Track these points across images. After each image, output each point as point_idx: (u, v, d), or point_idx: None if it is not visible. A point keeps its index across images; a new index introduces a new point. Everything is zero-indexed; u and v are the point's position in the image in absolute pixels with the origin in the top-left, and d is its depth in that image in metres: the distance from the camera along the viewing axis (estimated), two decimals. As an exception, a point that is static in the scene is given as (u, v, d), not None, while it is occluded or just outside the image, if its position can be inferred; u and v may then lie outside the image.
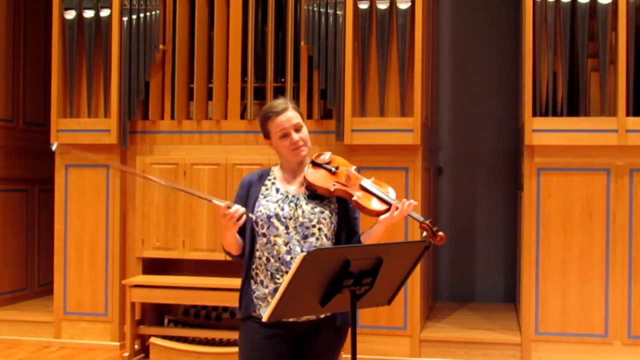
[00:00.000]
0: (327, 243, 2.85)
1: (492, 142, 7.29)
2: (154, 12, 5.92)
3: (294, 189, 2.92)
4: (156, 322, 5.84)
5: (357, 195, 2.83)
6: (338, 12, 5.58)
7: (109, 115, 5.98)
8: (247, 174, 3.06)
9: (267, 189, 2.93)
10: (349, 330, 2.89)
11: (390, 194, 2.88)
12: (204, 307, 5.79)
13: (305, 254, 2.40)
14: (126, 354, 5.58)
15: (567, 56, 5.32)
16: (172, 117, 6.01)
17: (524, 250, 5.45)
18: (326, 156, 2.97)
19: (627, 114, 5.26)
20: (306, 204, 2.87)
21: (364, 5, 5.54)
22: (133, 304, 5.56)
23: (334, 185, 2.85)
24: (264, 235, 2.85)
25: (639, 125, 5.24)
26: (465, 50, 7.40)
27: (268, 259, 2.84)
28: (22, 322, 6.23)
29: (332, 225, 2.88)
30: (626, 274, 5.29)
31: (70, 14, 6.02)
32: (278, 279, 2.82)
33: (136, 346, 5.67)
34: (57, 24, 6.04)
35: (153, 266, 5.90)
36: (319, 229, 2.84)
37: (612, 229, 5.30)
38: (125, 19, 5.92)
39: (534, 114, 5.36)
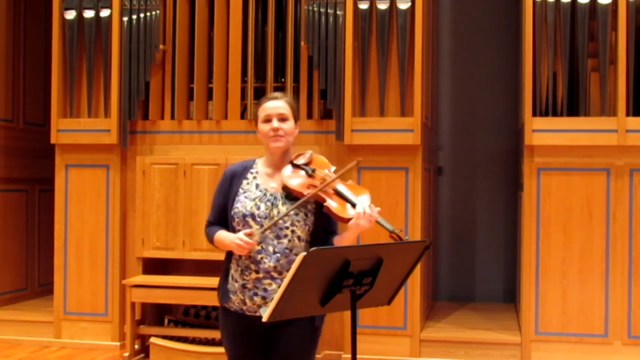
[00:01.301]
0: (299, 244, 2.88)
1: (492, 142, 7.29)
2: (154, 12, 5.92)
3: (274, 186, 2.94)
4: (156, 322, 5.84)
5: (329, 201, 2.83)
6: (338, 12, 5.58)
7: (109, 115, 5.98)
8: (230, 164, 3.10)
9: (247, 183, 2.96)
10: (321, 327, 2.97)
11: (364, 201, 2.84)
12: (204, 307, 5.78)
13: (305, 253, 2.41)
14: (126, 354, 5.58)
15: (567, 56, 5.32)
16: (172, 117, 6.01)
17: (524, 250, 5.45)
18: (305, 156, 2.98)
19: (627, 114, 5.26)
20: (282, 204, 2.89)
21: (364, 5, 5.54)
22: (133, 304, 5.56)
23: (308, 189, 2.85)
24: (239, 231, 2.89)
25: (639, 125, 5.24)
26: (465, 51, 7.40)
27: (240, 256, 2.90)
28: (22, 322, 6.23)
29: (307, 227, 2.89)
30: (626, 274, 5.29)
31: (70, 14, 6.02)
32: (246, 276, 2.88)
33: (136, 346, 5.67)
34: (57, 24, 6.04)
35: (153, 266, 5.90)
36: (292, 231, 2.87)
37: (612, 229, 5.30)
38: (125, 19, 5.92)
39: (534, 114, 5.36)
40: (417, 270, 5.18)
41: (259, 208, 2.89)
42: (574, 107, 5.47)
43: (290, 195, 2.89)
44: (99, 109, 6.06)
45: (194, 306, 5.80)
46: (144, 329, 5.68)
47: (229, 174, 3.02)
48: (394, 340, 5.54)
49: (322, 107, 5.82)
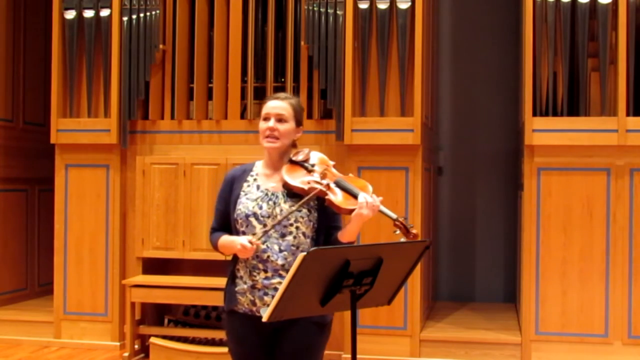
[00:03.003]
0: (304, 241, 2.87)
1: (492, 142, 7.29)
2: (154, 12, 5.92)
3: (274, 185, 2.94)
4: (156, 322, 5.84)
5: (330, 194, 2.84)
6: (338, 12, 5.58)
7: (109, 115, 5.98)
8: (231, 169, 3.09)
9: (248, 186, 2.96)
10: (330, 325, 2.94)
11: (366, 191, 2.87)
12: (204, 307, 5.78)
13: (305, 253, 2.41)
14: (126, 354, 5.58)
15: (567, 56, 5.32)
16: (172, 117, 6.01)
17: (524, 250, 5.45)
18: (303, 153, 2.98)
19: (627, 114, 5.26)
20: (284, 202, 2.89)
21: (364, 5, 5.54)
22: (133, 304, 5.56)
23: (308, 184, 2.86)
24: (243, 233, 2.89)
25: (639, 125, 5.24)
26: (465, 50, 7.40)
27: (247, 258, 2.87)
28: (22, 322, 6.23)
29: (311, 223, 2.89)
30: (626, 274, 5.29)
31: (70, 14, 6.02)
32: (255, 276, 2.86)
33: (136, 346, 5.68)
34: (57, 24, 6.04)
35: (153, 266, 5.90)
36: (297, 228, 2.87)
37: (612, 229, 5.30)
38: (125, 19, 5.92)
39: (534, 114, 5.36)
40: (417, 270, 5.18)
41: (261, 207, 2.88)
42: (574, 107, 5.47)
43: (291, 192, 2.89)
44: (98, 108, 6.06)
45: (194, 306, 5.80)
46: (144, 329, 5.68)
47: (229, 178, 3.02)
48: (394, 340, 5.54)
49: (322, 107, 5.82)
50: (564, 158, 5.36)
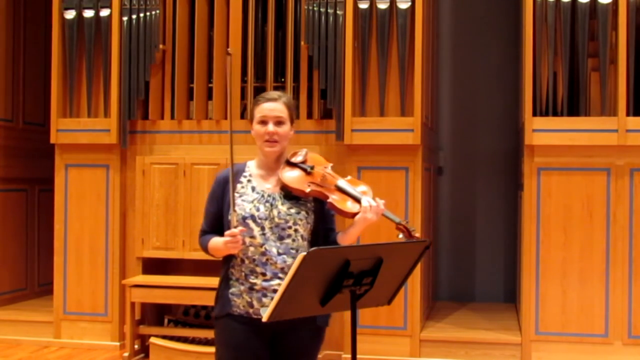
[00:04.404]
0: (303, 243, 2.84)
1: (492, 142, 7.29)
2: (154, 12, 5.92)
3: (270, 187, 2.89)
4: (156, 322, 5.84)
5: (333, 197, 2.80)
6: (338, 12, 5.58)
7: (109, 115, 5.98)
8: (221, 170, 3.01)
9: (242, 187, 2.89)
10: (326, 330, 2.92)
11: (367, 194, 2.84)
12: (204, 307, 5.78)
13: (305, 253, 2.40)
14: (126, 354, 5.58)
15: (567, 56, 5.32)
16: (172, 117, 6.01)
17: (524, 250, 5.45)
18: (301, 155, 2.92)
19: (627, 114, 5.26)
20: (282, 204, 2.84)
21: (364, 5, 5.53)
22: (133, 304, 5.56)
23: (309, 186, 2.81)
24: None
25: (639, 125, 5.24)
26: (466, 50, 7.40)
27: (243, 260, 2.83)
28: (22, 322, 6.23)
29: (309, 226, 2.86)
30: (626, 274, 5.28)
31: (70, 14, 6.02)
32: (252, 279, 2.81)
33: (136, 346, 5.67)
34: (57, 24, 6.04)
35: (153, 266, 5.90)
36: (295, 230, 2.82)
37: (612, 229, 5.30)
38: (125, 18, 5.92)
39: (534, 114, 5.36)
40: (417, 270, 5.18)
41: (258, 209, 2.82)
42: (574, 107, 5.47)
43: (289, 194, 2.85)
44: (98, 108, 6.06)
45: (194, 306, 5.80)
46: (144, 329, 5.68)
47: (222, 180, 2.93)
48: (394, 340, 5.53)
49: (322, 107, 5.82)
50: (564, 158, 5.36)
